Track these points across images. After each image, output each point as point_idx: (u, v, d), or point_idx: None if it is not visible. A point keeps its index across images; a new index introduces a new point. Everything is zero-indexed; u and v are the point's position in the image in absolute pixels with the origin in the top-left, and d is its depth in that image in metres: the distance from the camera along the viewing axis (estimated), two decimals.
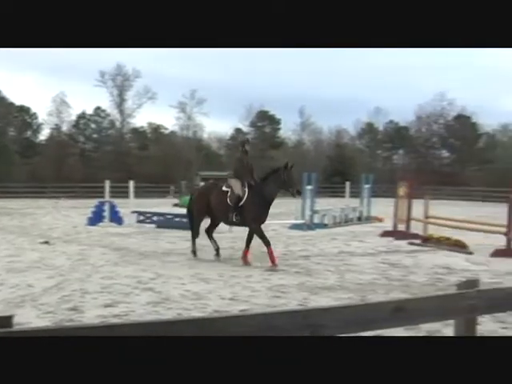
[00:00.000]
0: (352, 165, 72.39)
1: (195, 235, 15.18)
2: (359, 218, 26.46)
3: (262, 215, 14.12)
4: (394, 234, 19.85)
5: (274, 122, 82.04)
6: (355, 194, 33.46)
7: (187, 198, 36.64)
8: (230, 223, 14.98)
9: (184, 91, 74.67)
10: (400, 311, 3.53)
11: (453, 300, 3.84)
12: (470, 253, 16.01)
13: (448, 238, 17.04)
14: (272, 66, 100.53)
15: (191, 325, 3.00)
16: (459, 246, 16.41)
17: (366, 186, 27.92)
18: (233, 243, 17.62)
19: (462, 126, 75.58)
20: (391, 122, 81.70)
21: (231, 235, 19.85)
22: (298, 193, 14.32)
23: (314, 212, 23.30)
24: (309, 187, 23.24)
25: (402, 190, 20.46)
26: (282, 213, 31.22)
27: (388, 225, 22.51)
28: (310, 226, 22.38)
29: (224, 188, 14.44)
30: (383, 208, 27.90)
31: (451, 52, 76.61)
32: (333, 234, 20.66)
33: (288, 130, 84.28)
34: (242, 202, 13.96)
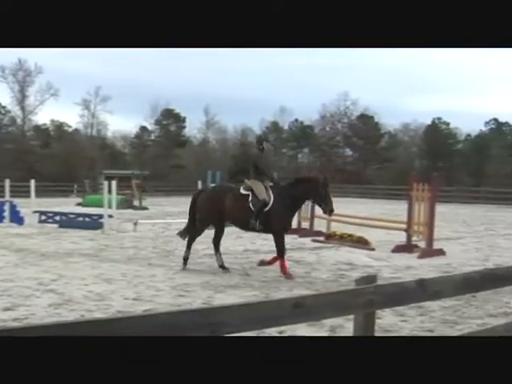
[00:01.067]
0: None
1: (191, 242, 13.56)
2: None
3: (289, 222, 13.34)
4: (298, 231, 20.07)
5: (179, 120, 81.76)
6: None
7: (91, 197, 36.43)
8: (251, 230, 13.36)
9: (88, 88, 73.64)
10: (300, 307, 3.57)
11: (351, 295, 3.91)
12: (372, 249, 16.36)
13: (350, 235, 17.36)
14: (178, 64, 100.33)
15: (93, 326, 2.94)
16: (361, 243, 16.74)
17: (270, 184, 28.11)
18: (137, 242, 17.46)
19: (365, 126, 77.32)
20: (296, 121, 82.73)
21: (136, 234, 19.69)
22: (331, 212, 12.86)
23: None
24: (213, 185, 23.23)
25: None
26: (187, 211, 31.12)
27: (293, 223, 22.74)
28: None
29: (242, 191, 13.07)
30: None
31: (355, 52, 78.44)
32: (238, 232, 20.55)
33: (193, 129, 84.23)
34: (267, 208, 12.65)
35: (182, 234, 13.93)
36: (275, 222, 12.62)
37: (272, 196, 12.74)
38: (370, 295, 3.95)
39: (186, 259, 13.27)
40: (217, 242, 13.45)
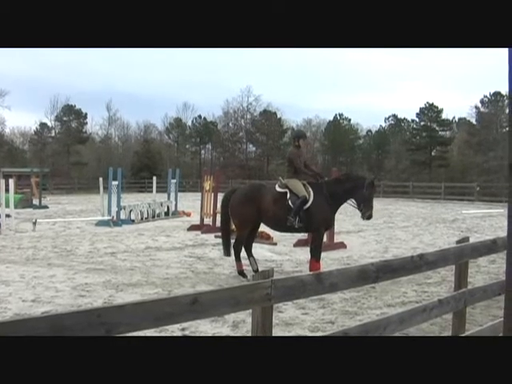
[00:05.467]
0: (160, 160, 72.58)
1: (239, 250, 12.20)
2: (167, 213, 26.51)
3: (331, 220, 12.53)
4: (200, 227, 20.06)
5: (80, 116, 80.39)
6: (163, 188, 33.52)
7: None
8: (287, 230, 12.40)
9: None
10: (196, 304, 3.54)
11: (248, 290, 3.91)
12: (274, 243, 16.49)
13: None
14: (78, 59, 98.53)
15: None
16: (264, 238, 16.82)
17: (173, 180, 28.07)
18: (36, 242, 17.02)
19: (268, 121, 78.04)
20: (199, 117, 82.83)
21: (35, 234, 19.21)
22: (369, 218, 12.07)
23: (120, 208, 23.05)
24: (114, 182, 22.97)
25: (208, 184, 20.73)
26: (88, 209, 30.67)
27: (195, 219, 22.75)
28: (117, 223, 22.10)
29: (278, 189, 12.18)
30: (191, 202, 28.21)
31: (258, 50, 79.12)
32: (140, 230, 20.54)
33: (96, 125, 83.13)
34: (307, 205, 11.81)
35: (224, 251, 12.60)
36: (316, 220, 11.88)
37: (312, 193, 11.96)
38: (267, 289, 3.96)
39: (241, 273, 12.05)
40: (249, 245, 12.42)
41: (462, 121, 77.68)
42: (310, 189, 12.00)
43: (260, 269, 10.62)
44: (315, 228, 12.10)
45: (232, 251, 12.36)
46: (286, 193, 12.03)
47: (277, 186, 12.33)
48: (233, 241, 12.47)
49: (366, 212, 11.93)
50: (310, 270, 11.39)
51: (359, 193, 11.85)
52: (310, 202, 11.85)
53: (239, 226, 12.43)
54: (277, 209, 11.96)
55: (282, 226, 12.28)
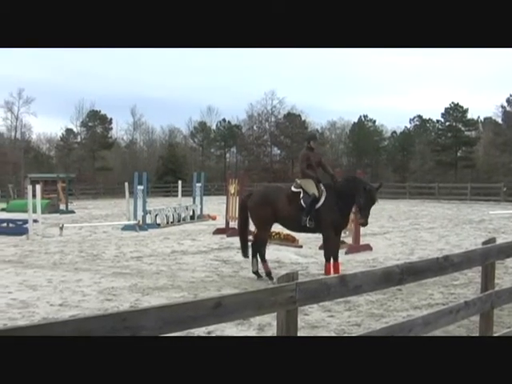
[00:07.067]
0: (184, 163, 72.73)
1: (262, 251, 12.41)
2: (192, 217, 26.55)
3: (342, 221, 12.33)
4: (226, 231, 20.05)
5: (105, 121, 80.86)
6: (188, 192, 33.57)
7: (15, 202, 35.65)
8: (302, 229, 12.43)
9: (10, 90, 72.23)
10: (220, 307, 3.54)
11: (272, 293, 3.90)
12: (300, 246, 16.44)
13: (278, 233, 17.35)
14: (102, 65, 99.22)
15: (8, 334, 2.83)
16: (289, 240, 16.79)
17: (198, 184, 28.08)
18: (63, 247, 17.13)
19: (292, 124, 77.90)
20: (224, 120, 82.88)
21: (61, 239, 19.33)
22: (363, 225, 12.21)
23: (146, 212, 23.14)
24: (140, 187, 23.06)
25: (233, 188, 20.73)
26: (114, 214, 30.82)
27: (221, 222, 22.76)
28: (143, 227, 22.19)
29: (294, 189, 12.28)
30: (216, 206, 28.21)
31: (282, 52, 79.11)
32: (165, 234, 20.58)
33: (121, 130, 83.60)
34: (319, 204, 11.90)
35: (243, 253, 12.84)
36: (323, 220, 11.87)
37: (324, 193, 11.98)
38: (292, 292, 3.95)
39: (268, 274, 12.15)
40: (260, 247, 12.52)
41: (488, 120, 76.87)
42: (323, 189, 12.04)
43: (285, 272, 10.58)
44: (323, 229, 12.09)
45: (250, 253, 12.53)
46: (299, 192, 12.12)
47: (292, 186, 12.44)
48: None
49: (361, 219, 12.00)
50: (325, 274, 11.48)
51: (357, 199, 11.75)
52: (320, 202, 11.89)
53: (259, 227, 12.59)
54: (291, 209, 12.06)
55: (296, 226, 12.45)
